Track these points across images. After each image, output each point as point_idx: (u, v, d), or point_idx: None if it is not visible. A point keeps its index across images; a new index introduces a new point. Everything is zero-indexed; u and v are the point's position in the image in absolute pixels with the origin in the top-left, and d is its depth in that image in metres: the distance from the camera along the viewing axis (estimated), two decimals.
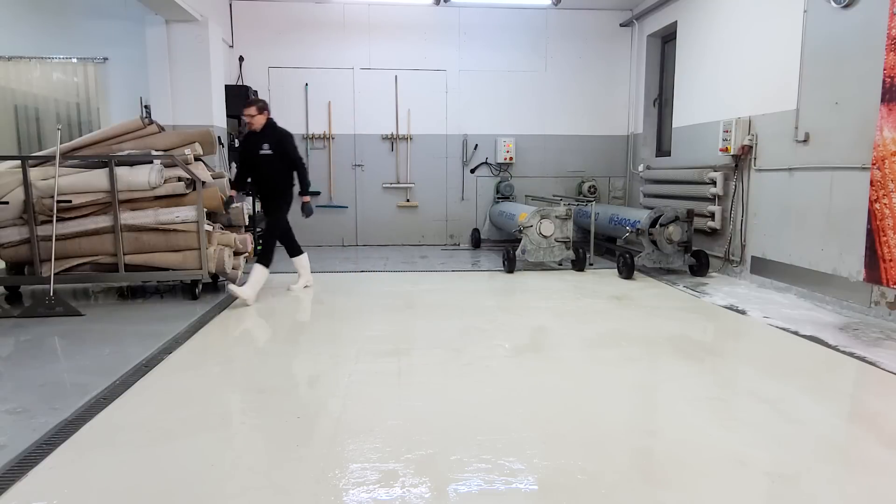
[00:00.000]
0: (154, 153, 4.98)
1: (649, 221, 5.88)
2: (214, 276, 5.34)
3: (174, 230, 4.86)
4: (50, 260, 4.69)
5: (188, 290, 5.06)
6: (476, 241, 8.40)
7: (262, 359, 3.58)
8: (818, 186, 4.86)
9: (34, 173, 4.78)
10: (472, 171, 8.61)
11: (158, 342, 3.79)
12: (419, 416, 2.68)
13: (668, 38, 7.85)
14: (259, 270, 4.93)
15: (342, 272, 6.41)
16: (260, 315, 4.64)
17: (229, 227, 5.45)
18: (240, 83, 7.95)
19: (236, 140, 7.59)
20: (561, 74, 8.50)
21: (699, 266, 6.04)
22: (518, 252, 6.22)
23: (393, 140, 8.46)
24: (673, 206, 6.29)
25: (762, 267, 5.57)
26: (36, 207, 4.74)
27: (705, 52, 6.55)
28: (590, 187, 8.59)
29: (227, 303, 4.92)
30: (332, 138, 8.36)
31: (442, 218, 8.69)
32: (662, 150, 8.06)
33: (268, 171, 5.04)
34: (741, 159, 5.83)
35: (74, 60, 7.47)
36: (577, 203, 7.21)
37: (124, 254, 4.83)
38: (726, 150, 5.82)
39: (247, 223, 5.56)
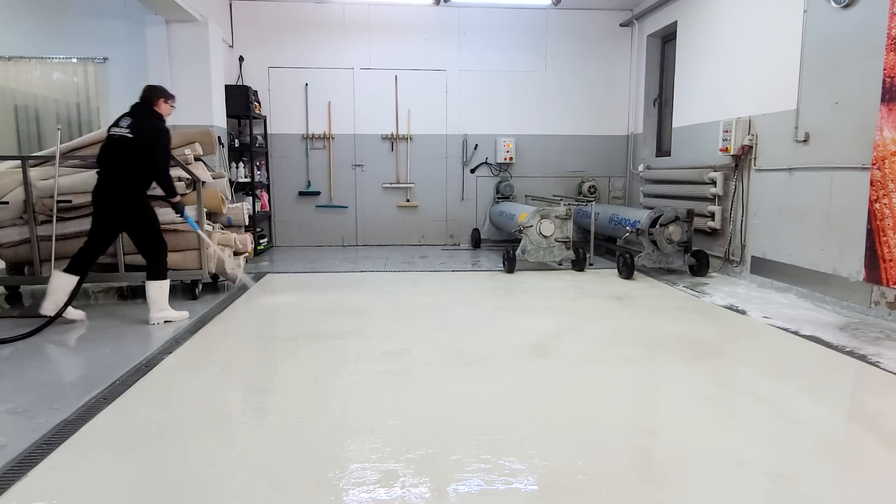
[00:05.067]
0: None
1: (649, 221, 5.88)
2: (214, 276, 5.34)
3: (174, 230, 4.85)
4: (50, 260, 4.69)
5: (188, 290, 5.06)
6: (476, 241, 8.40)
7: (262, 358, 3.58)
8: (818, 186, 4.86)
9: (34, 173, 4.78)
10: (472, 171, 8.61)
11: (158, 342, 3.79)
12: (419, 415, 2.68)
13: (668, 38, 7.85)
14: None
15: (342, 272, 6.41)
16: (260, 315, 4.64)
17: (229, 227, 5.45)
18: (240, 83, 7.95)
19: (236, 140, 7.61)
20: (561, 74, 8.50)
21: (699, 266, 6.04)
22: (518, 252, 6.21)
23: (393, 140, 8.46)
24: (673, 206, 6.29)
25: (762, 267, 5.57)
26: (36, 207, 4.74)
27: (705, 52, 6.55)
28: (590, 187, 8.59)
29: (227, 303, 4.92)
30: (332, 138, 8.35)
31: (442, 218, 8.69)
32: (662, 150, 8.06)
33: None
34: (741, 159, 5.83)
35: (74, 60, 7.47)
36: (577, 203, 7.21)
37: (124, 254, 4.83)
38: (726, 150, 5.82)
39: (247, 223, 5.56)
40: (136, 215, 4.21)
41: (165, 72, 6.61)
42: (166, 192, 4.29)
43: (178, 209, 4.42)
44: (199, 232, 4.71)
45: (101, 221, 4.20)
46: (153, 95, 4.23)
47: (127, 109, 4.21)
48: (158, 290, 4.26)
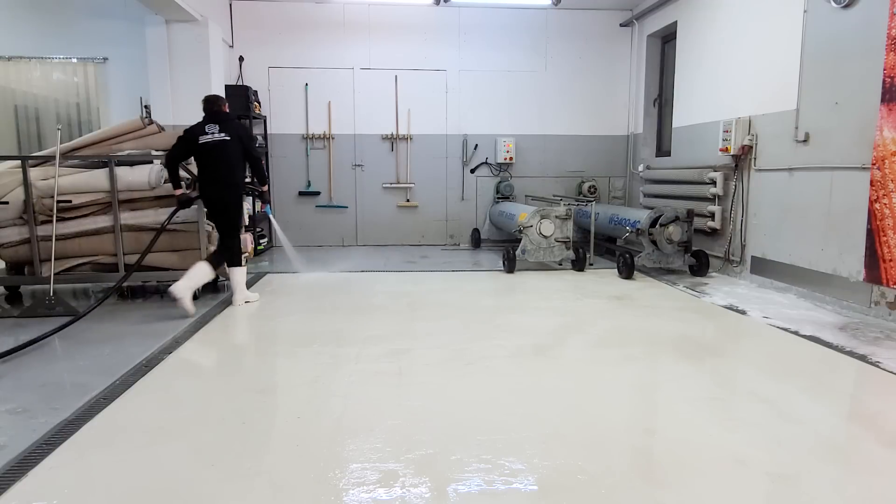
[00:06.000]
0: (154, 153, 4.98)
1: (649, 221, 5.88)
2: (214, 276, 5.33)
3: (174, 230, 4.86)
4: (50, 260, 4.69)
5: None
6: (476, 241, 8.40)
7: (262, 358, 3.58)
8: (818, 186, 4.86)
9: (34, 173, 4.78)
10: (472, 171, 8.61)
11: (158, 342, 3.79)
12: (419, 415, 2.68)
13: (668, 38, 7.85)
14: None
15: (342, 272, 6.41)
16: (260, 315, 4.64)
17: None
18: (240, 83, 7.95)
19: None
20: (561, 74, 8.50)
21: (699, 266, 6.04)
22: (518, 252, 6.21)
23: (393, 140, 8.46)
24: (673, 206, 6.29)
25: (762, 267, 5.57)
26: (36, 207, 4.74)
27: (705, 52, 6.54)
28: (590, 187, 8.59)
29: (227, 302, 4.91)
30: (332, 138, 8.35)
31: (442, 218, 8.69)
32: (662, 150, 8.06)
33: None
34: (741, 159, 5.83)
35: (74, 60, 7.47)
36: (577, 203, 7.21)
37: (124, 254, 4.84)
38: (726, 150, 5.82)
39: (247, 223, 5.55)
40: (238, 208, 4.73)
41: (165, 72, 6.62)
42: (261, 179, 4.94)
43: (266, 199, 5.16)
44: (275, 224, 5.53)
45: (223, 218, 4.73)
46: (221, 102, 4.69)
47: (199, 121, 4.60)
48: (242, 275, 4.77)
